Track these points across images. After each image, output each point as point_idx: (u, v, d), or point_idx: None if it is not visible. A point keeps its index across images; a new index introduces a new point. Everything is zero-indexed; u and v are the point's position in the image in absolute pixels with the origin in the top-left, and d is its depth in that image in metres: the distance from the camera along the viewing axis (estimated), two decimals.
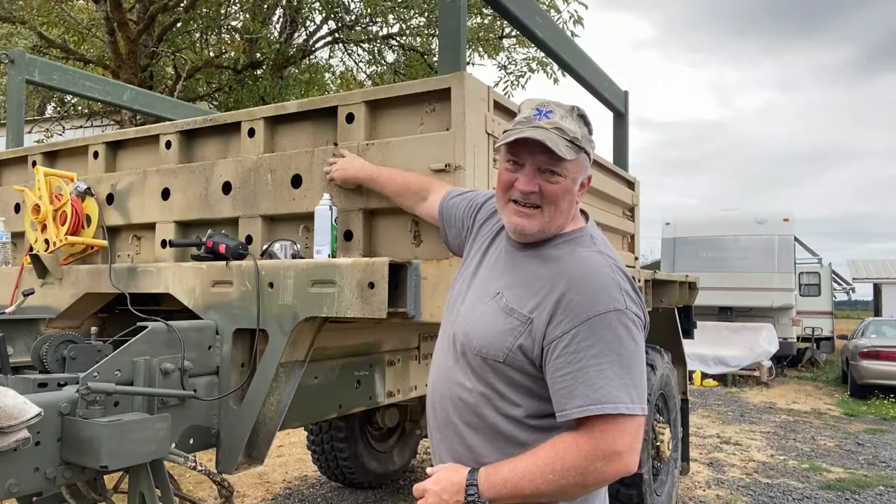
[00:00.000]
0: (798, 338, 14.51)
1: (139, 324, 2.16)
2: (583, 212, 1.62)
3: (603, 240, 1.56)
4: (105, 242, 2.89)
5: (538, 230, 1.50)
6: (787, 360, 13.90)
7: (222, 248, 2.40)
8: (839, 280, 21.71)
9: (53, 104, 13.41)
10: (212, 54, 12.14)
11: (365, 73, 13.44)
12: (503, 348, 1.43)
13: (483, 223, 1.77)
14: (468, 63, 9.44)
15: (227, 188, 2.66)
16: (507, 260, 1.57)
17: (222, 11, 11.36)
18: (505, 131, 1.51)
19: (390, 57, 13.10)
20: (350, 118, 2.40)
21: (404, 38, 12.61)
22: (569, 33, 9.66)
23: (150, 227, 2.88)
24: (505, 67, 12.06)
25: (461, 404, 1.52)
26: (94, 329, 2.41)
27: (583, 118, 1.50)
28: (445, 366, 1.59)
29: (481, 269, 1.64)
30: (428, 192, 2.06)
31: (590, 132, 1.51)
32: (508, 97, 4.70)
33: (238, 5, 12.00)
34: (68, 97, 11.90)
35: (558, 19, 10.22)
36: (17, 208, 3.34)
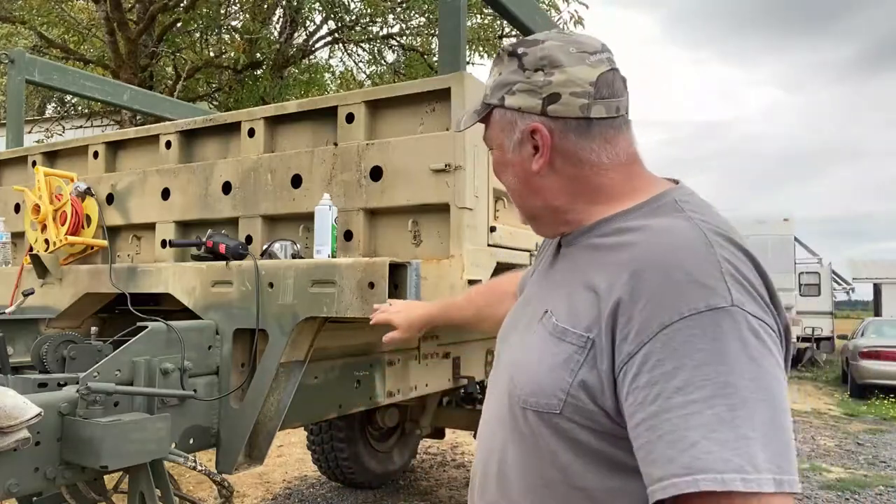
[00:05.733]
0: (798, 338, 14.52)
1: (139, 324, 2.16)
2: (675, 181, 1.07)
3: (700, 202, 0.99)
4: (105, 242, 2.89)
5: (525, 217, 1.12)
6: None
7: (222, 248, 2.40)
8: (839, 280, 21.71)
9: (53, 104, 13.42)
10: (212, 54, 12.14)
11: (365, 73, 13.45)
12: (558, 391, 0.91)
13: (542, 250, 1.29)
14: (468, 63, 9.43)
15: (227, 188, 2.66)
16: (553, 266, 1.11)
17: (222, 11, 11.37)
18: None
19: (390, 57, 13.12)
20: (350, 118, 2.40)
21: (404, 38, 12.62)
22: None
23: (150, 227, 2.88)
24: None
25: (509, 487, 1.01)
26: (94, 329, 2.41)
27: (514, 55, 1.03)
28: (493, 436, 1.07)
29: (527, 289, 1.20)
30: (514, 283, 1.47)
31: (521, 67, 1.02)
32: None
33: (238, 5, 12.01)
34: (68, 97, 11.90)
35: (558, 19, 10.23)
36: (17, 208, 3.34)
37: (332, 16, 11.62)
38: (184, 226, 2.82)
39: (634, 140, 1.05)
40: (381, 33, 12.38)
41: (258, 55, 11.42)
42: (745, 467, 0.75)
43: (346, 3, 11.43)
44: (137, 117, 9.27)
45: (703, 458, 0.76)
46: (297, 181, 2.48)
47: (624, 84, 1.03)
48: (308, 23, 12.44)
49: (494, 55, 1.09)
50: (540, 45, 1.01)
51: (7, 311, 2.74)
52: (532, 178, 1.04)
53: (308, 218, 2.38)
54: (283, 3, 11.62)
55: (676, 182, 1.05)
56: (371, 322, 1.84)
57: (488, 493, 1.05)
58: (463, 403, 4.43)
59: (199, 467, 2.09)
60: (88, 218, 2.97)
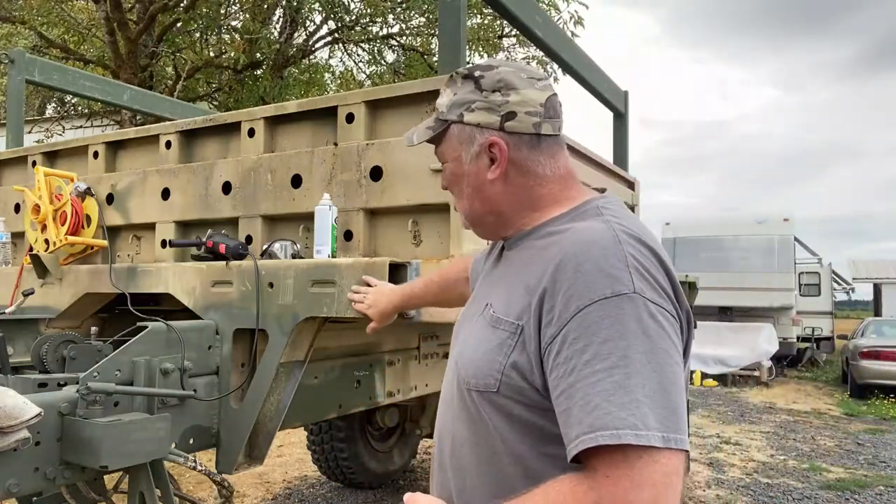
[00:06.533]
0: (798, 338, 14.52)
1: (139, 324, 2.16)
2: (602, 190, 1.26)
3: (619, 210, 1.14)
4: (105, 242, 2.89)
5: (467, 224, 1.26)
6: (787, 360, 13.91)
7: (222, 248, 2.40)
8: (839, 280, 21.72)
9: (53, 104, 13.41)
10: (212, 54, 12.14)
11: (365, 73, 13.45)
12: (494, 372, 1.06)
13: (490, 251, 1.44)
14: (468, 63, 9.41)
15: (227, 188, 2.66)
16: (496, 267, 1.26)
17: (222, 11, 11.36)
18: None
19: (390, 57, 13.12)
20: (350, 118, 2.41)
21: (404, 38, 12.62)
22: (569, 33, 9.67)
23: (150, 227, 2.88)
24: None
25: (465, 472, 1.15)
26: (94, 329, 2.41)
27: (469, 77, 1.17)
28: (444, 416, 1.23)
29: (480, 286, 1.32)
30: (462, 269, 1.68)
31: (479, 88, 1.16)
32: None
33: (238, 5, 12.00)
34: (68, 97, 11.90)
35: (558, 19, 10.23)
36: (17, 208, 3.34)
37: (332, 16, 11.62)
38: (184, 226, 2.82)
39: (568, 157, 1.23)
40: (380, 33, 12.38)
41: (258, 55, 11.41)
42: (637, 425, 0.88)
43: (346, 3, 11.43)
44: (137, 117, 9.27)
45: (603, 417, 0.89)
46: (297, 181, 2.48)
47: (561, 108, 1.21)
48: (308, 23, 12.45)
49: (453, 75, 1.21)
50: (495, 70, 1.16)
51: (7, 311, 2.74)
52: (485, 187, 1.18)
53: (308, 218, 2.38)
54: (283, 3, 11.62)
55: (603, 192, 1.23)
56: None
57: (445, 467, 1.19)
58: None
59: (199, 467, 2.09)
60: (88, 218, 2.96)
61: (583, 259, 0.99)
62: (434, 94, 2.27)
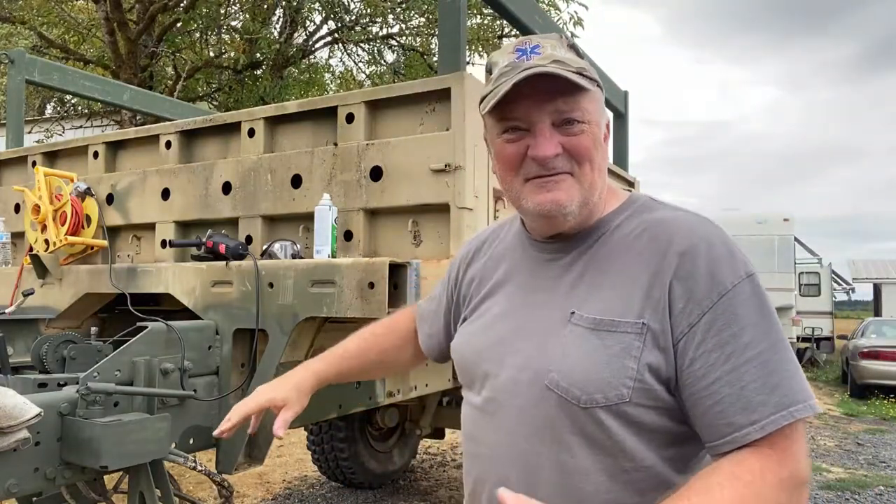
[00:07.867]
0: (798, 338, 14.52)
1: (139, 324, 2.16)
2: None
3: (663, 201, 1.14)
4: (105, 242, 2.89)
5: (580, 202, 1.04)
6: None
7: (222, 248, 2.40)
8: (839, 280, 21.71)
9: (53, 104, 13.42)
10: (212, 54, 12.15)
11: (364, 73, 13.46)
12: (626, 380, 0.97)
13: (467, 269, 1.29)
14: (468, 63, 9.43)
15: (227, 188, 2.66)
16: (547, 272, 1.12)
17: (222, 11, 11.37)
18: (483, 98, 1.06)
19: (390, 57, 13.13)
20: (350, 118, 2.41)
21: (404, 38, 12.63)
22: (569, 34, 9.67)
23: (150, 227, 2.88)
24: None
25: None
26: (94, 329, 2.42)
27: (575, 49, 1.07)
28: (520, 447, 1.05)
29: (504, 298, 1.16)
30: (410, 318, 1.48)
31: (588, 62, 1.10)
32: None
33: (238, 5, 12.01)
34: (68, 97, 11.90)
35: (558, 19, 10.23)
36: (17, 208, 3.34)
37: (332, 16, 11.63)
38: (184, 226, 2.82)
39: None
40: (380, 33, 12.39)
41: (258, 55, 11.42)
42: (811, 394, 0.95)
43: (346, 4, 11.44)
44: (137, 117, 9.26)
45: (789, 394, 0.92)
46: (297, 181, 2.48)
47: None
48: (308, 23, 12.45)
49: (561, 37, 1.08)
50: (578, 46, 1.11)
51: (7, 311, 2.74)
52: (605, 160, 1.10)
53: (308, 218, 2.38)
54: (283, 3, 11.62)
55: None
56: (227, 429, 1.33)
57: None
58: None
59: (199, 467, 2.09)
60: (88, 218, 2.96)
61: (707, 246, 0.99)
62: (434, 94, 2.27)
